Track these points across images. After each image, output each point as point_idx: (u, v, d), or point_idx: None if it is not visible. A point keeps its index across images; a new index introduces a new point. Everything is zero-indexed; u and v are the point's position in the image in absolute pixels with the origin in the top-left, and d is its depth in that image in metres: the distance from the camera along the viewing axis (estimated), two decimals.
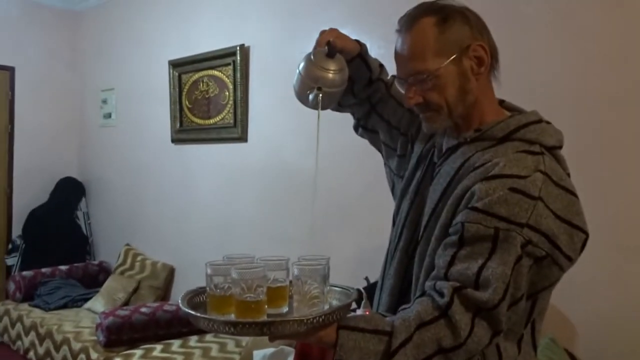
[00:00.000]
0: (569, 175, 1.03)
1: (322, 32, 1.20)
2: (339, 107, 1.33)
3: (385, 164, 1.34)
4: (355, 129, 1.38)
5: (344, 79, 1.15)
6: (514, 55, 2.07)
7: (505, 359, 0.99)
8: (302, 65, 1.16)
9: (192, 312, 0.87)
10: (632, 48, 1.84)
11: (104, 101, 4.30)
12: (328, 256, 0.97)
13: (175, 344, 2.86)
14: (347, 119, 1.40)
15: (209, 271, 0.90)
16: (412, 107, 1.06)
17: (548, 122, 1.05)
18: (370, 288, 2.17)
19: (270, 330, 0.83)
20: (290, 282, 0.96)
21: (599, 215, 1.84)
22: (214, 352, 2.78)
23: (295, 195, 2.92)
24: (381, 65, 1.30)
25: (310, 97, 1.13)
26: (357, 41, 1.25)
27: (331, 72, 1.12)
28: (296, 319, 0.84)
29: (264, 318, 0.86)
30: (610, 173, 1.89)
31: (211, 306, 0.91)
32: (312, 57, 1.14)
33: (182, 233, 3.63)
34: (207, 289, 0.91)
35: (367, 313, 1.98)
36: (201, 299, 0.96)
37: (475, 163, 1.00)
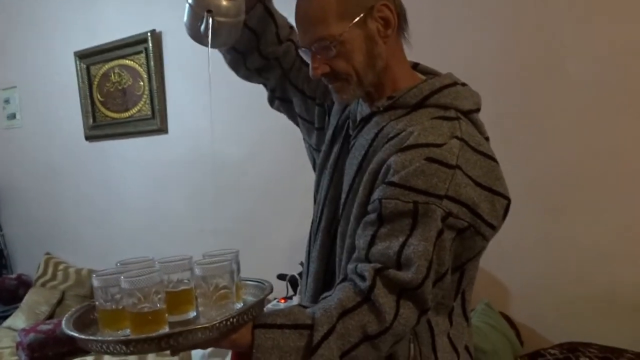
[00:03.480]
0: (487, 139, 0.98)
1: None
2: (248, 72, 1.21)
3: (304, 139, 1.25)
4: (270, 101, 1.27)
5: (239, 9, 1.04)
6: (435, 24, 2.04)
7: (438, 334, 0.95)
8: None
9: (76, 334, 0.74)
10: (547, 17, 1.84)
11: (6, 101, 3.95)
12: (237, 249, 0.87)
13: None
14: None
15: (96, 283, 0.78)
16: (319, 77, 0.97)
17: (464, 84, 1.00)
18: None
19: (170, 343, 0.72)
20: (195, 283, 0.86)
21: (525, 179, 1.87)
22: (150, 357, 2.63)
23: (224, 184, 2.80)
24: (292, 27, 1.19)
25: (202, 27, 1.00)
26: None
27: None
28: (200, 326, 0.74)
29: (165, 329, 0.75)
30: (535, 136, 1.90)
31: (103, 323, 0.79)
32: None
33: (108, 236, 3.42)
34: (97, 303, 0.79)
35: None
36: (94, 315, 0.84)
37: (389, 133, 0.94)
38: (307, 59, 0.99)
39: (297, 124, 1.25)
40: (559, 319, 1.89)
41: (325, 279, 1.03)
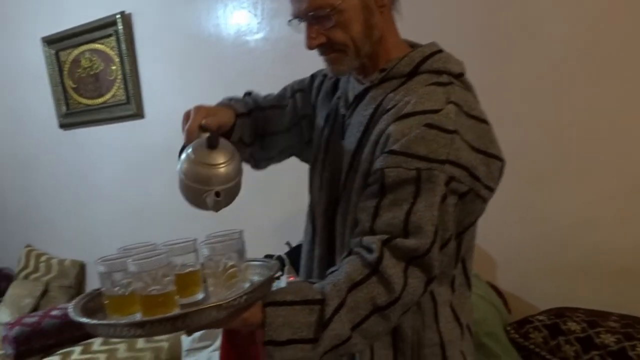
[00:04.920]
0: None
1: (185, 118, 0.99)
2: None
3: (302, 161, 1.24)
4: (256, 167, 1.23)
5: (239, 166, 0.94)
6: None
7: (440, 304, 0.96)
8: (182, 167, 0.92)
9: (87, 320, 0.73)
10: None
11: None
12: (241, 228, 0.86)
13: (96, 343, 2.66)
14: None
15: (101, 269, 0.76)
16: (315, 48, 0.96)
17: (448, 52, 1.01)
18: (292, 253, 2.11)
19: (186, 323, 0.72)
20: (202, 264, 0.85)
21: (508, 147, 1.87)
22: (139, 344, 2.62)
23: None
24: (243, 99, 1.18)
25: (208, 201, 0.90)
26: (225, 104, 1.10)
27: (221, 166, 0.90)
28: (214, 304, 0.73)
29: (177, 311, 0.75)
30: (516, 104, 1.91)
31: (111, 309, 0.77)
32: (191, 154, 0.91)
33: (88, 225, 3.36)
34: (103, 289, 0.77)
35: (292, 279, 1.93)
36: (100, 302, 0.83)
37: (387, 105, 0.93)
38: (297, 30, 0.97)
39: (291, 156, 1.25)
40: (545, 286, 1.92)
41: (329, 262, 1.03)
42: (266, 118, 1.16)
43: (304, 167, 1.24)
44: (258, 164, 1.20)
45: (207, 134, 0.93)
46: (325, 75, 1.14)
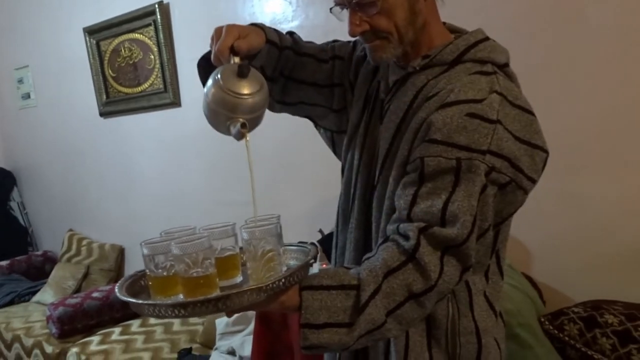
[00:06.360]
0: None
1: (216, 36, 0.95)
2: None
3: (317, 126, 1.23)
4: (270, 107, 1.16)
5: (266, 96, 0.92)
6: None
7: (475, 293, 0.96)
8: (210, 90, 0.90)
9: (132, 300, 0.77)
10: None
11: (20, 81, 3.95)
12: (278, 214, 0.88)
13: (135, 324, 2.76)
14: None
15: (145, 251, 0.79)
16: (357, 36, 0.95)
17: (494, 40, 0.99)
18: (325, 240, 2.12)
19: (227, 304, 0.74)
20: (241, 248, 0.88)
21: (545, 134, 1.84)
22: (175, 327, 2.70)
23: (240, 155, 2.79)
24: (279, 32, 1.11)
25: (232, 129, 0.90)
26: (256, 25, 1.04)
27: (249, 97, 0.89)
28: (253, 287, 0.76)
29: (217, 292, 0.78)
30: (555, 90, 1.87)
31: (155, 289, 0.81)
32: (220, 80, 0.89)
33: (127, 210, 3.46)
34: (147, 271, 0.81)
35: (324, 266, 1.95)
36: (143, 283, 0.86)
37: (429, 92, 0.93)
38: (340, 17, 0.96)
39: (306, 116, 1.22)
40: (581, 279, 1.88)
41: (365, 245, 1.03)
42: (297, 62, 1.11)
43: (333, 155, 1.24)
44: (272, 106, 1.16)
45: (237, 58, 0.92)
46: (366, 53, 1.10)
